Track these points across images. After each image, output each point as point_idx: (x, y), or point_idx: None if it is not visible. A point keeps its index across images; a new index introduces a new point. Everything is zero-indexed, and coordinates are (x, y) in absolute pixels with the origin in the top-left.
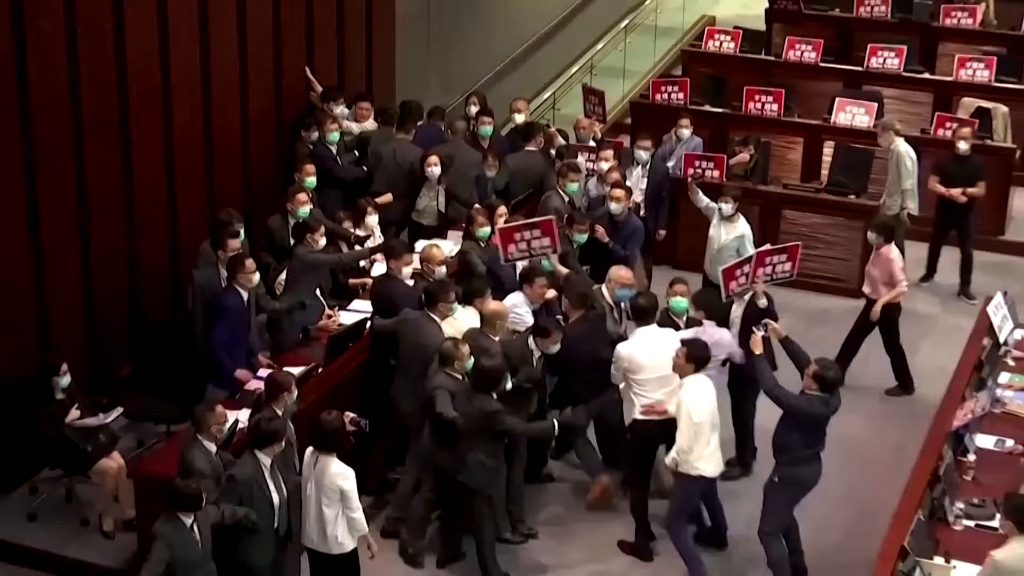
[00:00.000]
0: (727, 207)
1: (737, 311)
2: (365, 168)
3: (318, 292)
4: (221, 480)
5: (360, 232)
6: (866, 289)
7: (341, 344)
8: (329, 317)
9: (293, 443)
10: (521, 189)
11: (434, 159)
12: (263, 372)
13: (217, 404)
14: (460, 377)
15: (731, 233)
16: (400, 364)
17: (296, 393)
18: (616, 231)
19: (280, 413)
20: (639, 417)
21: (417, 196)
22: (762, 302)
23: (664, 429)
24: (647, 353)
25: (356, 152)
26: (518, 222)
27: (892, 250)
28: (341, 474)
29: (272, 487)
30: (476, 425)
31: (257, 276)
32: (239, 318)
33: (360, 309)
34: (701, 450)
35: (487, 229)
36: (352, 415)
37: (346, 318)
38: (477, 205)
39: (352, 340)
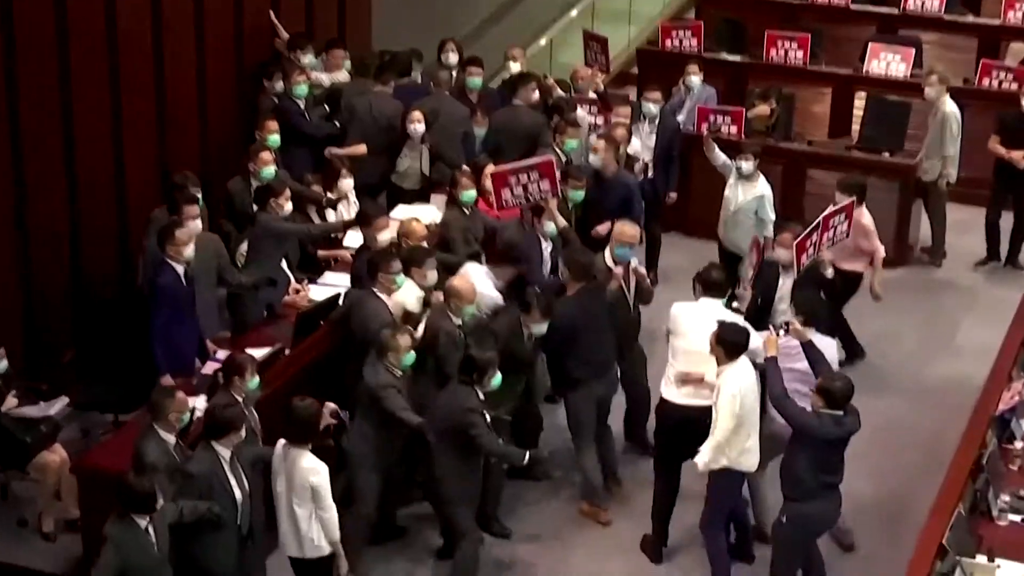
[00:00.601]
0: (747, 165)
1: (786, 284)
2: (337, 124)
3: (284, 264)
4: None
5: (331, 195)
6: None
7: (311, 322)
8: (297, 292)
9: (257, 432)
10: (512, 148)
11: (417, 115)
12: (223, 355)
13: (176, 389)
14: (397, 374)
15: (749, 193)
16: (354, 351)
17: (257, 377)
18: (603, 192)
19: (240, 400)
20: (667, 395)
21: (397, 156)
22: (829, 272)
23: (690, 420)
24: (693, 322)
25: (327, 106)
26: (513, 164)
27: (864, 214)
28: (312, 469)
29: (233, 481)
30: (445, 422)
31: (191, 248)
32: (176, 298)
33: (333, 283)
34: (742, 443)
35: (473, 192)
36: (333, 406)
37: (317, 293)
38: (464, 166)
39: (323, 318)
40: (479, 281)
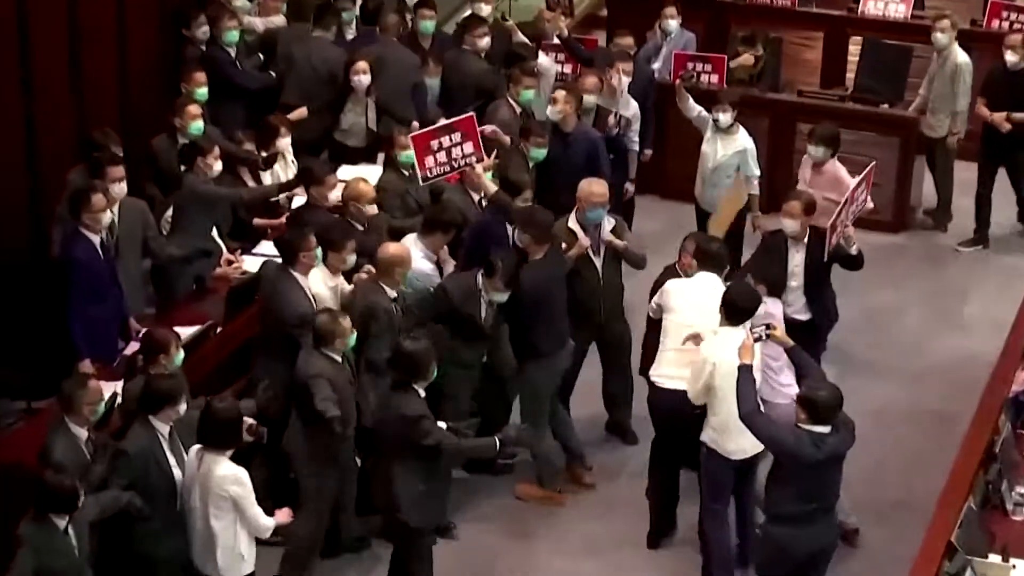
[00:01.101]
0: (724, 117)
1: (796, 259)
2: (273, 74)
3: (215, 233)
4: (90, 472)
5: (265, 154)
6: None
7: (245, 297)
8: (230, 263)
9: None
10: (462, 100)
11: (361, 64)
12: None
13: (90, 378)
14: (340, 360)
15: (729, 148)
16: (261, 336)
17: (182, 354)
18: (565, 150)
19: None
20: (658, 380)
21: (341, 111)
22: (855, 248)
23: (686, 407)
24: (689, 299)
25: (261, 55)
26: (431, 127)
27: (838, 167)
28: (231, 477)
29: (173, 461)
30: (395, 435)
31: (108, 216)
32: (94, 272)
33: (269, 253)
34: (721, 421)
35: (410, 153)
36: (251, 421)
37: (251, 265)
38: (414, 122)
39: (259, 292)
40: (419, 263)
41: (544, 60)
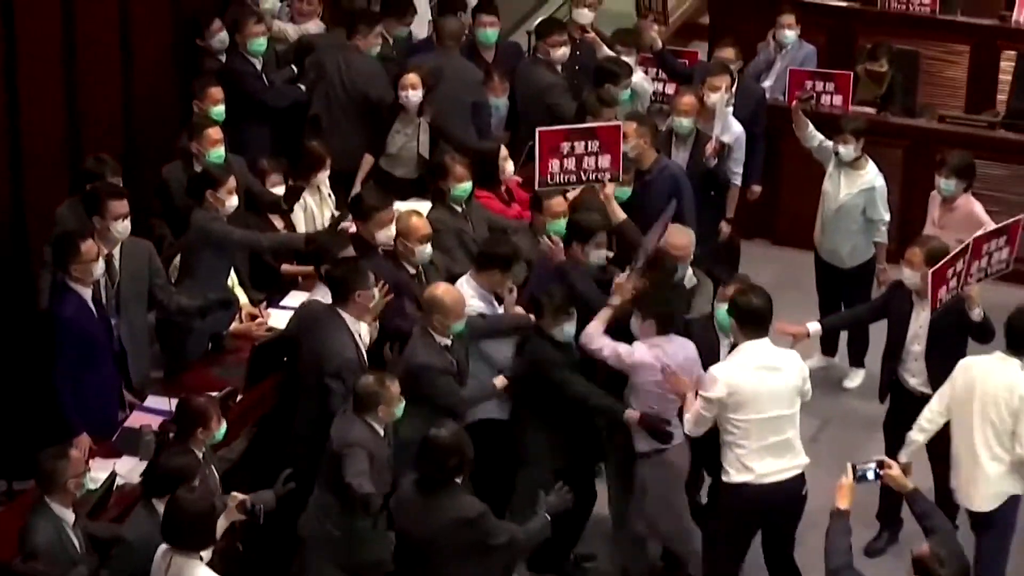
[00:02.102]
0: (846, 149)
1: (922, 317)
2: (303, 88)
3: (235, 279)
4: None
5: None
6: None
7: (271, 358)
8: (253, 318)
9: (217, 494)
10: (535, 121)
11: (412, 78)
12: (150, 405)
13: (71, 449)
14: (382, 433)
15: (854, 186)
16: (299, 384)
17: (224, 428)
18: (644, 192)
19: (200, 455)
20: (740, 478)
21: (387, 134)
22: (976, 313)
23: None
24: (754, 382)
25: (294, 67)
26: (567, 126)
27: (972, 202)
28: None
29: None
30: (451, 545)
31: (100, 266)
32: (85, 334)
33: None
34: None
35: (467, 186)
36: (241, 497)
37: (278, 319)
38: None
39: (288, 353)
40: (474, 302)
41: (639, 78)
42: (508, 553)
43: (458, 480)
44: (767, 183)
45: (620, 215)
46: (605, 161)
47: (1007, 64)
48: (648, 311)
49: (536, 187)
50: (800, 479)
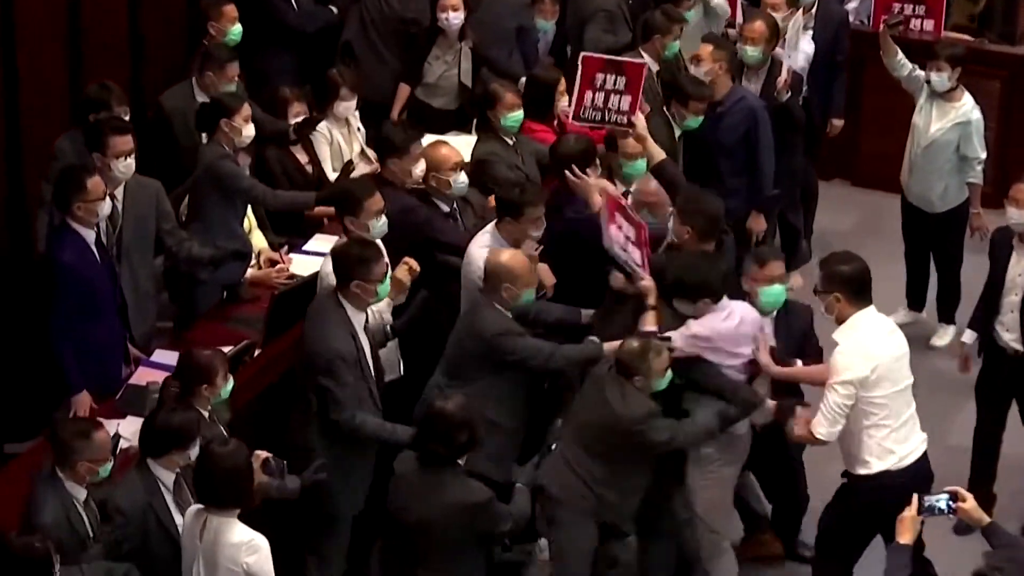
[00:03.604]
0: (940, 78)
1: (1020, 266)
2: (334, 10)
3: (250, 221)
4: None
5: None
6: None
7: (292, 309)
8: (273, 264)
9: None
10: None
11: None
12: (157, 360)
13: (99, 427)
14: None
15: (947, 120)
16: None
17: (231, 384)
18: (716, 126)
19: (205, 415)
20: (881, 466)
21: (423, 61)
22: None
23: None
24: (889, 349)
25: None
26: (605, 56)
27: None
28: (247, 545)
29: (179, 520)
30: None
31: (107, 205)
32: (87, 280)
33: (325, 251)
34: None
35: (519, 114)
36: (266, 454)
37: (301, 266)
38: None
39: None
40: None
41: None
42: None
43: (462, 461)
44: (848, 118)
45: (658, 154)
46: (625, 103)
47: None
48: (692, 293)
49: (571, 119)
50: (927, 457)
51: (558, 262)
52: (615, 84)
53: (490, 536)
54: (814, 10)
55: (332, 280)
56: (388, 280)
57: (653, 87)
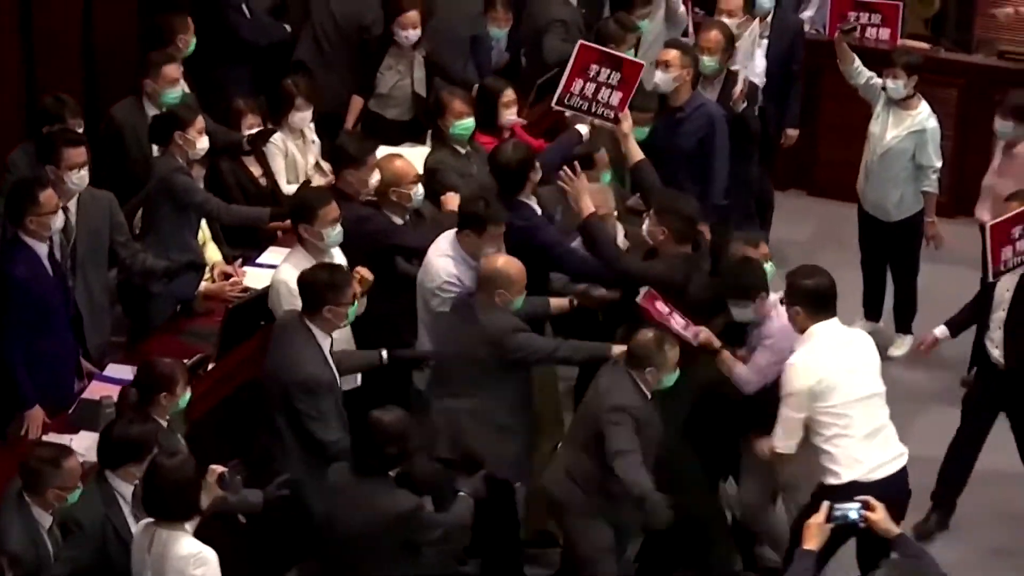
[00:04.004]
0: (896, 85)
1: (1007, 281)
2: (287, 27)
3: (204, 234)
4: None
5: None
6: (983, 215)
7: (246, 323)
8: (227, 277)
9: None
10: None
11: (412, 16)
12: (110, 374)
13: (69, 455)
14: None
15: (903, 127)
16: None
17: (188, 394)
18: (674, 131)
19: (164, 424)
20: (859, 478)
21: (376, 71)
22: None
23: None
24: (839, 359)
25: None
26: (605, 49)
27: None
28: (195, 558)
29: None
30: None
31: (60, 219)
32: (40, 295)
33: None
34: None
35: (469, 122)
36: (221, 469)
37: (255, 278)
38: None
39: (265, 316)
40: (454, 268)
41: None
42: (439, 547)
43: (393, 473)
44: (804, 128)
45: (637, 154)
46: (615, 98)
47: None
48: (747, 293)
49: (553, 103)
50: (905, 472)
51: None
52: (608, 78)
53: (418, 545)
54: (769, 19)
55: (286, 291)
56: (358, 303)
57: None
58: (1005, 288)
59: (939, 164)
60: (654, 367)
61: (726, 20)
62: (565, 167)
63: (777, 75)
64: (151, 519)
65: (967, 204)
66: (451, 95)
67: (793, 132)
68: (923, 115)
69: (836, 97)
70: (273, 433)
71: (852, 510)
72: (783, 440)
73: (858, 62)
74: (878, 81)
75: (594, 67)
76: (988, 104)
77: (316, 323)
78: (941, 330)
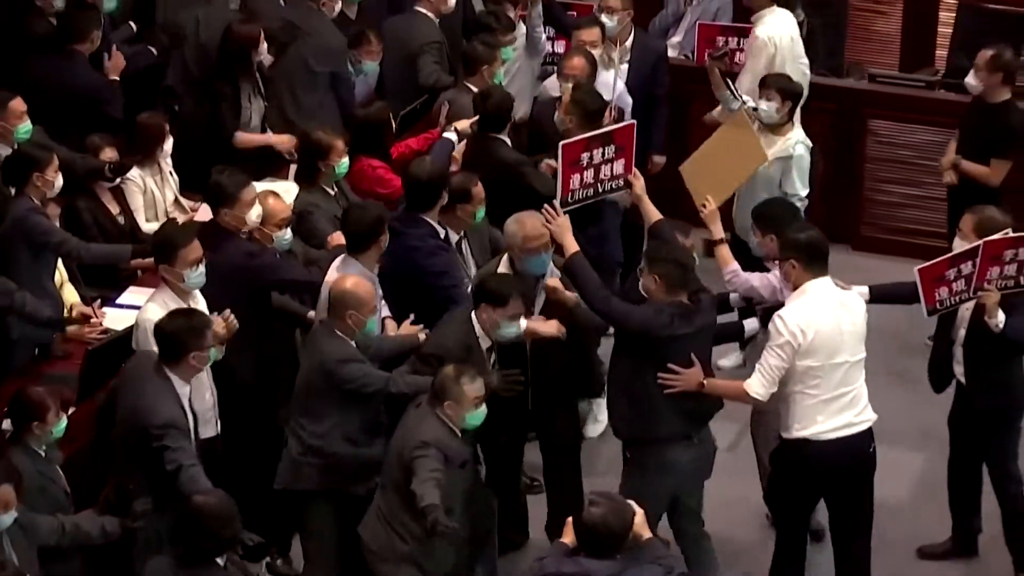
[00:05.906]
0: (768, 107)
1: (967, 304)
2: (153, 51)
3: (61, 275)
4: None
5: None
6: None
7: (107, 364)
8: (86, 319)
9: (65, 502)
10: (411, 89)
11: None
12: None
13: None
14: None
15: (771, 151)
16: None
17: (63, 422)
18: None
19: (41, 454)
20: (813, 432)
21: (235, 100)
22: (997, 321)
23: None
24: (830, 321)
25: (132, 23)
26: (586, 135)
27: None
28: None
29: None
30: None
31: None
32: None
33: (139, 305)
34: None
35: (347, 161)
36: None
37: (115, 320)
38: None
39: (126, 358)
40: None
41: (517, 32)
42: None
43: (220, 560)
44: (672, 154)
45: (654, 215)
46: (619, 167)
47: (946, 15)
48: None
49: (559, 208)
50: (868, 435)
51: (396, 287)
52: (604, 155)
53: None
54: (629, 43)
55: (150, 337)
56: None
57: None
58: (966, 307)
59: (804, 192)
60: (452, 400)
61: (605, 19)
62: (546, 206)
63: (639, 102)
64: None
65: (840, 230)
66: (331, 135)
67: (659, 159)
68: (792, 141)
69: (703, 124)
70: (128, 477)
71: None
72: (761, 388)
73: (730, 84)
74: (751, 105)
75: (584, 156)
76: (859, 128)
77: (177, 371)
78: (862, 289)
